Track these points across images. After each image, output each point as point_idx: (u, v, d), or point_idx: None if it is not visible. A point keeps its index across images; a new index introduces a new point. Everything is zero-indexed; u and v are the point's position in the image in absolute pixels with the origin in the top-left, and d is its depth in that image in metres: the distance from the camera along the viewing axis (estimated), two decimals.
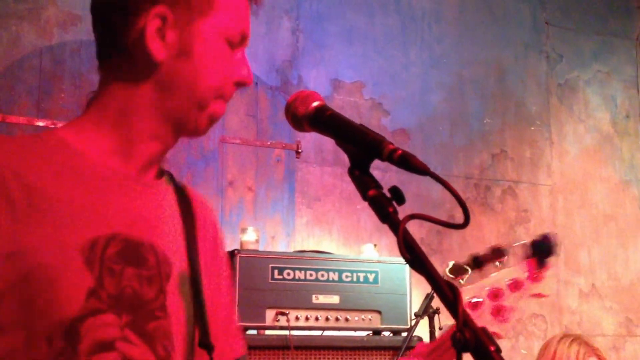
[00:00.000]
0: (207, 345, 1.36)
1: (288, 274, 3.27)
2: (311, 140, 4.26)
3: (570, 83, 5.21)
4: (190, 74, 1.30)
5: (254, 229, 3.57)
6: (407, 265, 1.09)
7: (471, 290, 1.53)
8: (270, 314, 3.21)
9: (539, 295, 1.59)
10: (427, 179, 1.12)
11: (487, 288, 1.52)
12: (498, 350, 1.02)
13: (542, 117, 5.08)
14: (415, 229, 4.52)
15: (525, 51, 5.09)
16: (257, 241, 3.53)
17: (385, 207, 1.15)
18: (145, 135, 1.32)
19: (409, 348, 3.30)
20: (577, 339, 3.18)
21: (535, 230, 4.88)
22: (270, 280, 3.23)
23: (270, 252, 3.56)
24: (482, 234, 4.74)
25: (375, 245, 3.80)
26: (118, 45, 1.30)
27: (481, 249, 4.90)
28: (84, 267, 1.18)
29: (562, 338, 3.19)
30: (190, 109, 1.32)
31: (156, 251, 1.29)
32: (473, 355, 1.03)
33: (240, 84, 1.35)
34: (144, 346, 1.22)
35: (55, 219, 1.18)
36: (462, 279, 1.52)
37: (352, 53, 4.57)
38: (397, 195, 1.15)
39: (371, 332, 3.42)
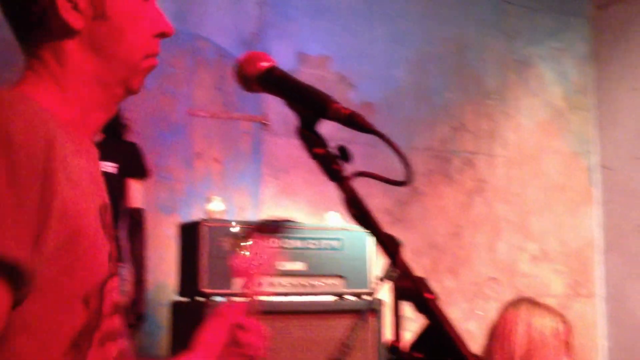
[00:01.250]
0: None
1: None
2: (278, 112, 4.16)
3: (527, 59, 5.19)
4: (112, 36, 1.21)
5: (221, 199, 3.48)
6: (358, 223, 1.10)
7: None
8: (237, 281, 3.14)
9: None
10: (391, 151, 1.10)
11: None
12: (435, 298, 1.04)
13: (499, 92, 5.06)
14: (380, 200, 4.49)
15: (485, 28, 5.04)
16: (224, 211, 3.45)
17: (332, 165, 1.14)
18: (93, 105, 1.23)
19: (372, 310, 3.30)
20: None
21: (492, 199, 4.88)
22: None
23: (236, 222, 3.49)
24: (443, 203, 4.73)
25: (339, 213, 3.74)
26: (34, 23, 1.21)
27: (442, 218, 4.89)
28: (102, 232, 1.16)
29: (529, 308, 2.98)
30: (124, 72, 1.23)
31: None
32: (412, 302, 1.04)
33: (162, 36, 1.25)
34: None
35: (77, 186, 1.13)
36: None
37: (318, 27, 4.47)
38: (344, 153, 1.14)
39: (335, 296, 3.39)
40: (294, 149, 4.66)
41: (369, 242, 3.38)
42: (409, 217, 4.57)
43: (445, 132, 4.81)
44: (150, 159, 3.72)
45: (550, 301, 4.88)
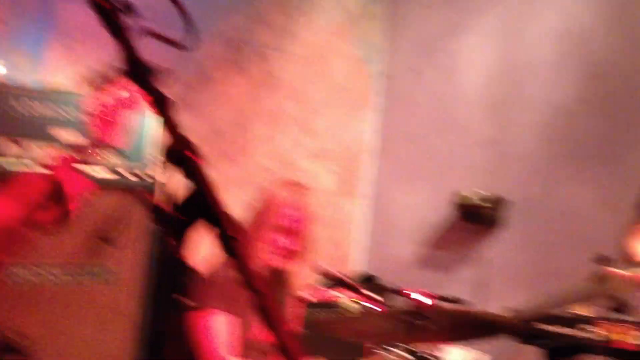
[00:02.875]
0: None
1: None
2: None
3: None
4: None
5: (2, 62, 3.28)
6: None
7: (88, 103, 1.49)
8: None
9: (132, 109, 1.58)
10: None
11: (99, 103, 1.50)
12: (203, 162, 1.06)
13: None
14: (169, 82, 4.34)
15: None
16: (5, 74, 3.25)
17: (114, 18, 1.10)
18: None
19: (146, 188, 3.28)
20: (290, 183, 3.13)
21: (278, 93, 4.96)
22: None
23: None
24: (231, 92, 4.73)
25: None
26: None
27: (229, 106, 4.91)
28: None
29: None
30: None
31: None
32: (181, 166, 1.06)
33: None
34: None
35: None
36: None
37: None
38: (129, 8, 1.12)
39: (111, 171, 3.34)
40: (84, 16, 4.43)
41: (150, 120, 3.34)
42: (195, 102, 4.55)
43: (240, 21, 4.78)
44: None
45: (319, 197, 5.14)
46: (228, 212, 1.02)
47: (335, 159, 5.31)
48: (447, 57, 5.14)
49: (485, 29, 4.98)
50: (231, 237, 1.00)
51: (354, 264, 5.36)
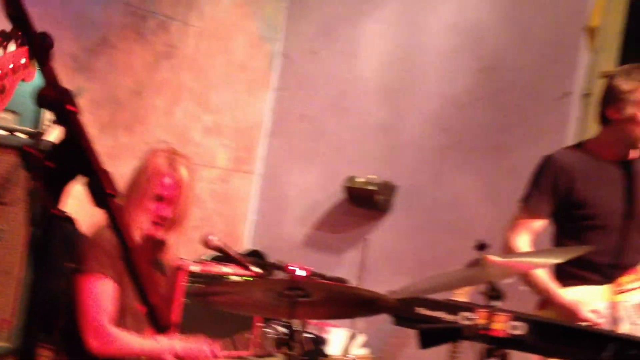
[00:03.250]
0: None
1: None
2: None
3: None
4: None
5: None
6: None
7: None
8: None
9: (25, 79, 1.58)
10: None
11: None
12: (77, 112, 1.04)
13: None
14: (67, 44, 4.27)
15: None
16: None
17: None
18: None
19: (38, 150, 3.23)
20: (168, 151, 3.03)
21: (178, 66, 4.92)
22: None
23: None
24: (131, 60, 4.68)
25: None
26: None
27: (128, 74, 4.81)
28: None
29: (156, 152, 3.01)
30: None
31: None
32: (55, 112, 1.03)
33: None
34: None
35: None
36: None
37: None
38: None
39: (5, 131, 3.28)
40: None
41: None
42: (94, 67, 4.47)
43: None
44: None
45: (213, 172, 5.16)
46: (102, 165, 1.03)
47: (230, 135, 5.34)
48: (345, 41, 5.23)
49: (384, 16, 5.09)
50: (104, 189, 1.00)
51: (245, 241, 5.41)
